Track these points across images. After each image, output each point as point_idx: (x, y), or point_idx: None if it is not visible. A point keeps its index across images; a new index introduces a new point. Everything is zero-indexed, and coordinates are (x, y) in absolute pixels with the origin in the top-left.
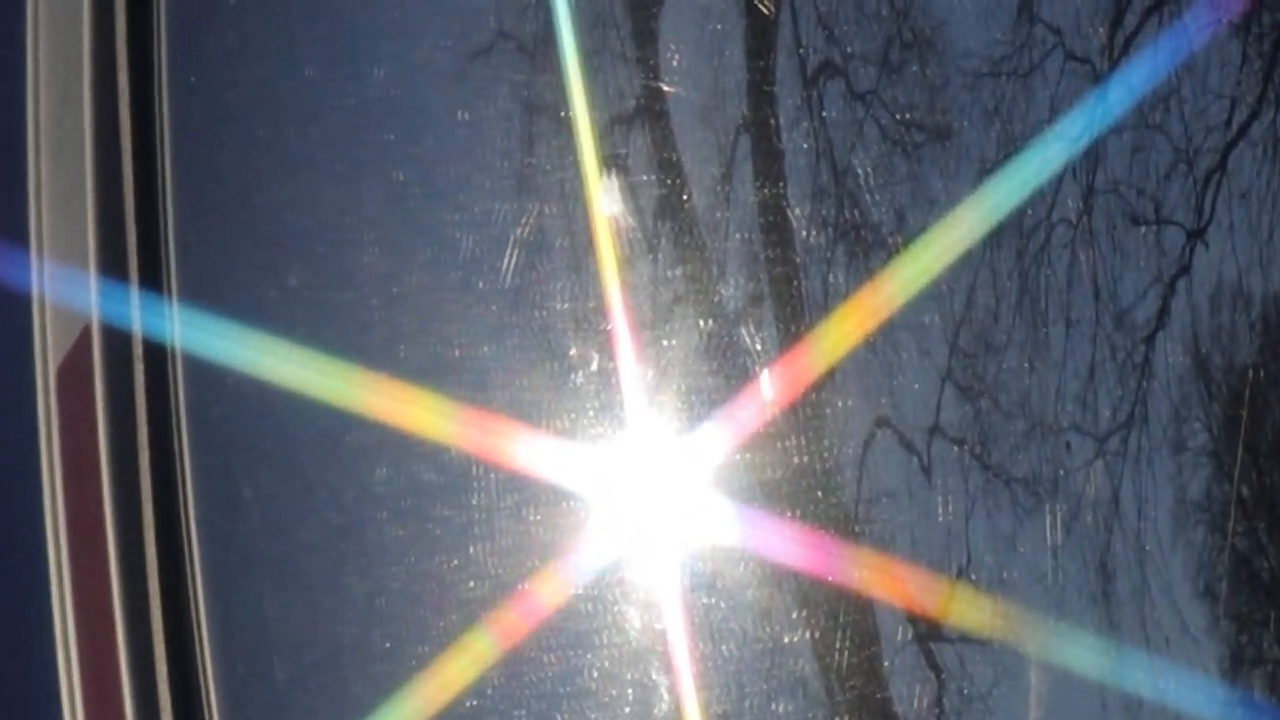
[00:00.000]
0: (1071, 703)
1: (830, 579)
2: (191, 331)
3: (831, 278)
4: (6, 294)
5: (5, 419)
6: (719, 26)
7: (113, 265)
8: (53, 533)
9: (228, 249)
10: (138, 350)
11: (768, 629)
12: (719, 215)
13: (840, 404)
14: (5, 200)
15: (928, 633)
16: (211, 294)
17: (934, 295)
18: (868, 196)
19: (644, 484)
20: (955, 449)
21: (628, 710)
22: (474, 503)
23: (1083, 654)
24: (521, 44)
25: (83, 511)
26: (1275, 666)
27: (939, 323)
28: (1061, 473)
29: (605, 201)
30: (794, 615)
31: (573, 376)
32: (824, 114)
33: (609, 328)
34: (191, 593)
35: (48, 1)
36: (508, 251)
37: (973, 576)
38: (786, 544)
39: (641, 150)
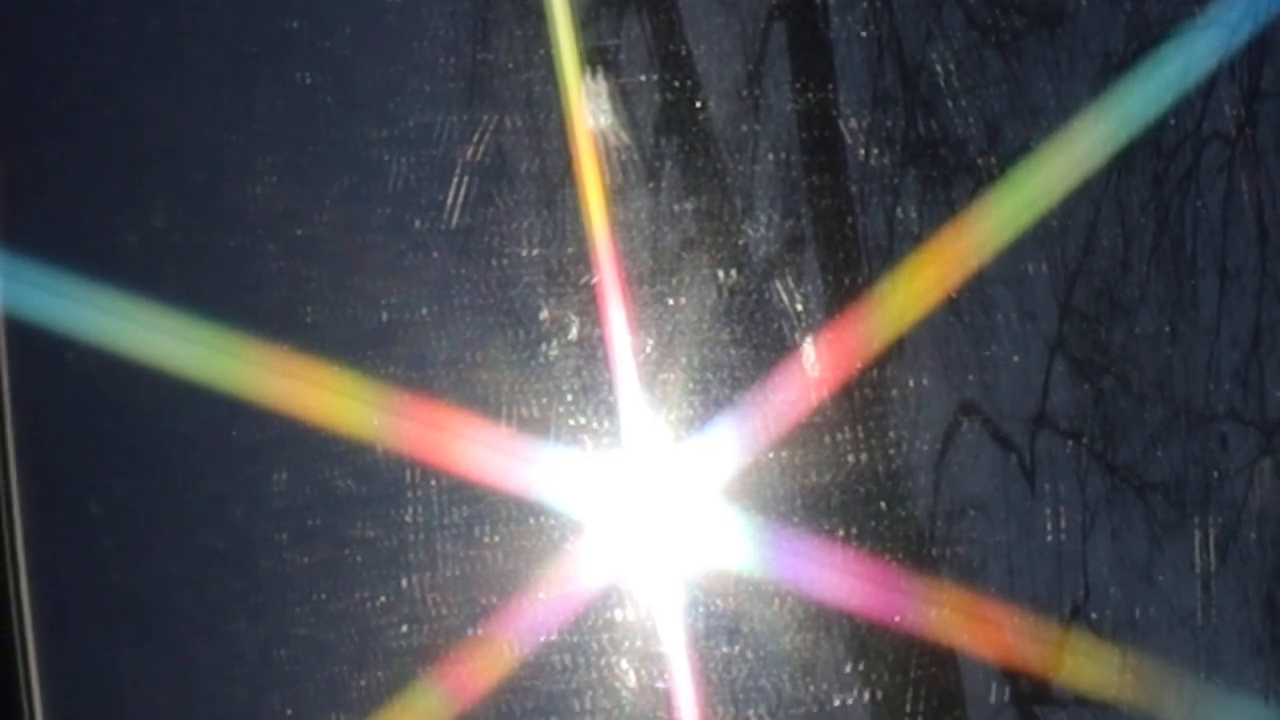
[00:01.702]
0: None
1: (897, 621)
2: (18, 288)
3: (899, 214)
4: None
5: None
6: None
7: None
8: None
9: (67, 178)
10: None
11: (812, 689)
12: (744, 129)
13: (912, 384)
14: None
15: (1032, 693)
16: (45, 240)
17: (1040, 237)
18: (949, 103)
19: (642, 494)
20: (1068, 444)
21: None
22: (408, 520)
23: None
24: None
25: None
26: None
27: (1047, 274)
28: (1215, 476)
29: (589, 111)
30: (848, 670)
31: (544, 348)
32: None
33: (594, 282)
34: (18, 643)
35: None
36: (454, 179)
37: (1093, 617)
38: (837, 574)
39: (638, 41)
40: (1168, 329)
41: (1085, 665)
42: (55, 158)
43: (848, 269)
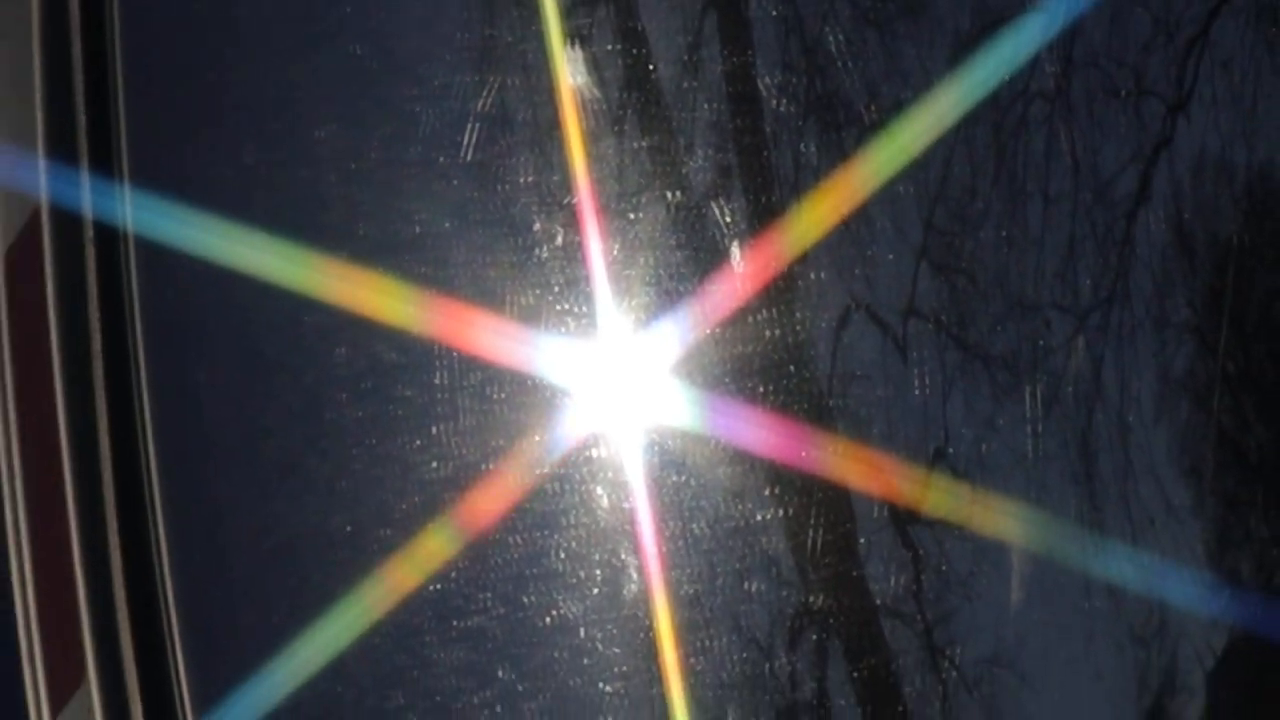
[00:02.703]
0: (1054, 585)
1: (803, 458)
2: (143, 213)
3: (803, 150)
4: None
5: None
6: None
7: (62, 146)
8: (2, 419)
9: (180, 128)
10: (89, 233)
11: (739, 507)
12: (686, 86)
13: (813, 279)
14: None
15: (904, 513)
16: (164, 174)
17: (909, 170)
18: (839, 67)
19: (611, 361)
20: (931, 326)
21: (596, 591)
22: (436, 382)
23: (1064, 536)
24: None
25: (33, 396)
26: (1263, 547)
27: (914, 198)
28: (1041, 350)
29: (570, 73)
30: (766, 493)
31: (537, 252)
32: None
33: (574, 202)
34: (146, 481)
35: None
36: (469, 126)
37: (950, 455)
38: (758, 422)
39: (606, 21)
40: (1005, 238)
41: (945, 494)
42: (170, 114)
43: (765, 192)
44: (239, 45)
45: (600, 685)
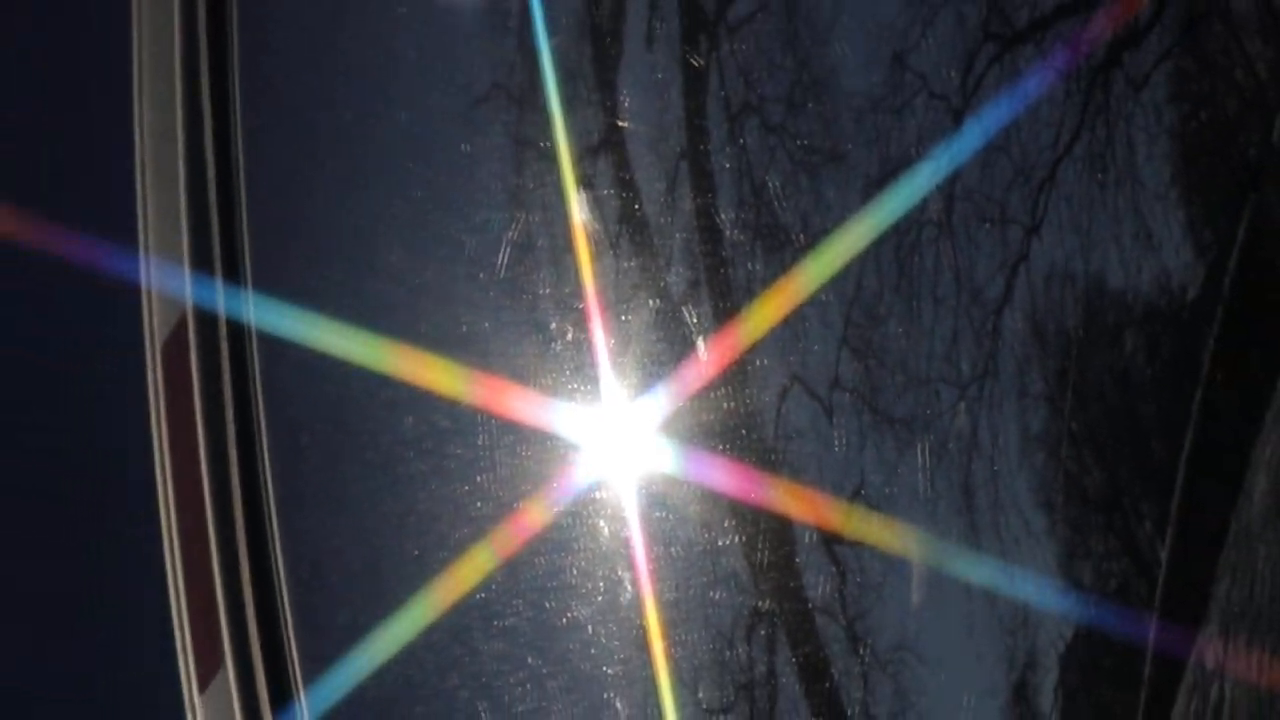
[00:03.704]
0: (944, 590)
1: (754, 496)
2: (263, 313)
3: (752, 267)
4: (122, 286)
5: (123, 385)
6: (661, 77)
7: (202, 261)
8: (160, 475)
9: (290, 248)
10: (223, 330)
11: (706, 535)
12: (664, 220)
13: (760, 363)
14: (119, 212)
15: (831, 537)
16: (278, 284)
17: (832, 280)
18: (778, 205)
19: (610, 425)
20: (850, 397)
21: (600, 600)
22: (479, 442)
23: (951, 553)
24: (511, 92)
25: (183, 453)
26: (1099, 561)
27: (836, 301)
28: (931, 414)
29: (578, 210)
30: (726, 524)
31: (553, 345)
32: (743, 142)
33: (581, 307)
34: (268, 517)
35: (149, 48)
36: (502, 250)
37: (864, 494)
38: (719, 470)
39: (605, 172)
40: (904, 331)
41: (863, 523)
42: (284, 238)
43: (724, 298)
44: (335, 189)
45: (604, 668)
